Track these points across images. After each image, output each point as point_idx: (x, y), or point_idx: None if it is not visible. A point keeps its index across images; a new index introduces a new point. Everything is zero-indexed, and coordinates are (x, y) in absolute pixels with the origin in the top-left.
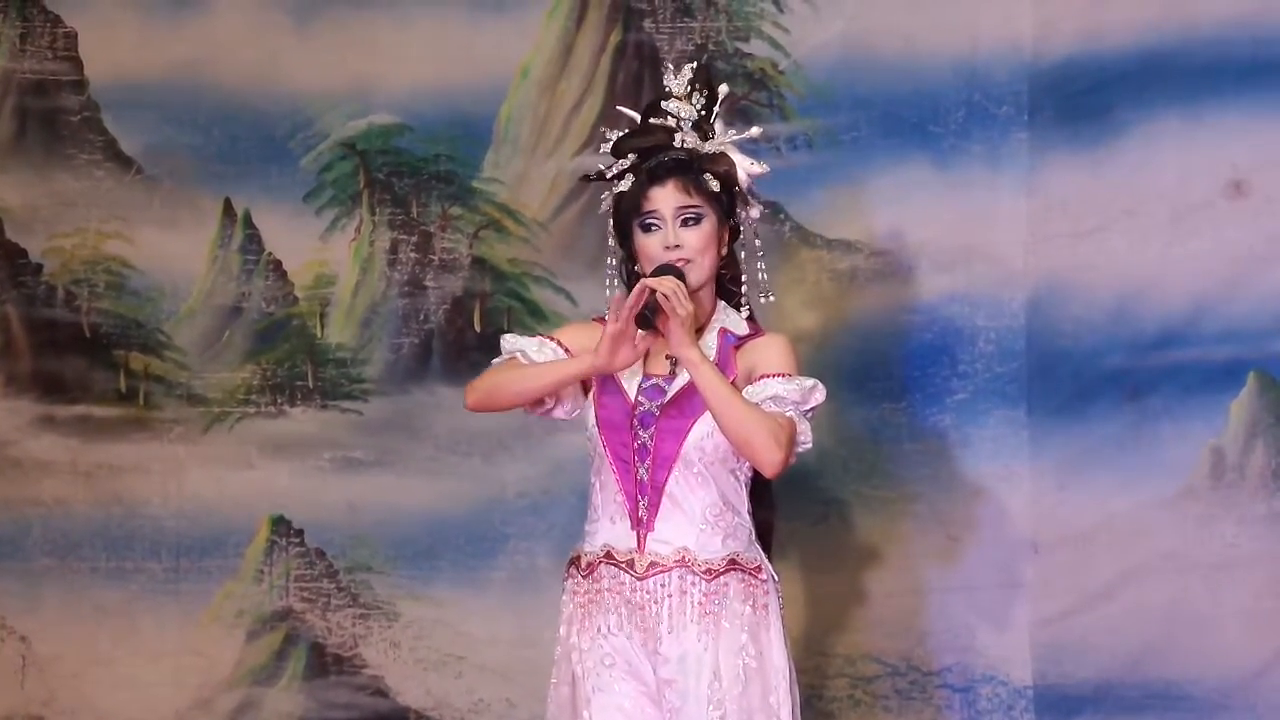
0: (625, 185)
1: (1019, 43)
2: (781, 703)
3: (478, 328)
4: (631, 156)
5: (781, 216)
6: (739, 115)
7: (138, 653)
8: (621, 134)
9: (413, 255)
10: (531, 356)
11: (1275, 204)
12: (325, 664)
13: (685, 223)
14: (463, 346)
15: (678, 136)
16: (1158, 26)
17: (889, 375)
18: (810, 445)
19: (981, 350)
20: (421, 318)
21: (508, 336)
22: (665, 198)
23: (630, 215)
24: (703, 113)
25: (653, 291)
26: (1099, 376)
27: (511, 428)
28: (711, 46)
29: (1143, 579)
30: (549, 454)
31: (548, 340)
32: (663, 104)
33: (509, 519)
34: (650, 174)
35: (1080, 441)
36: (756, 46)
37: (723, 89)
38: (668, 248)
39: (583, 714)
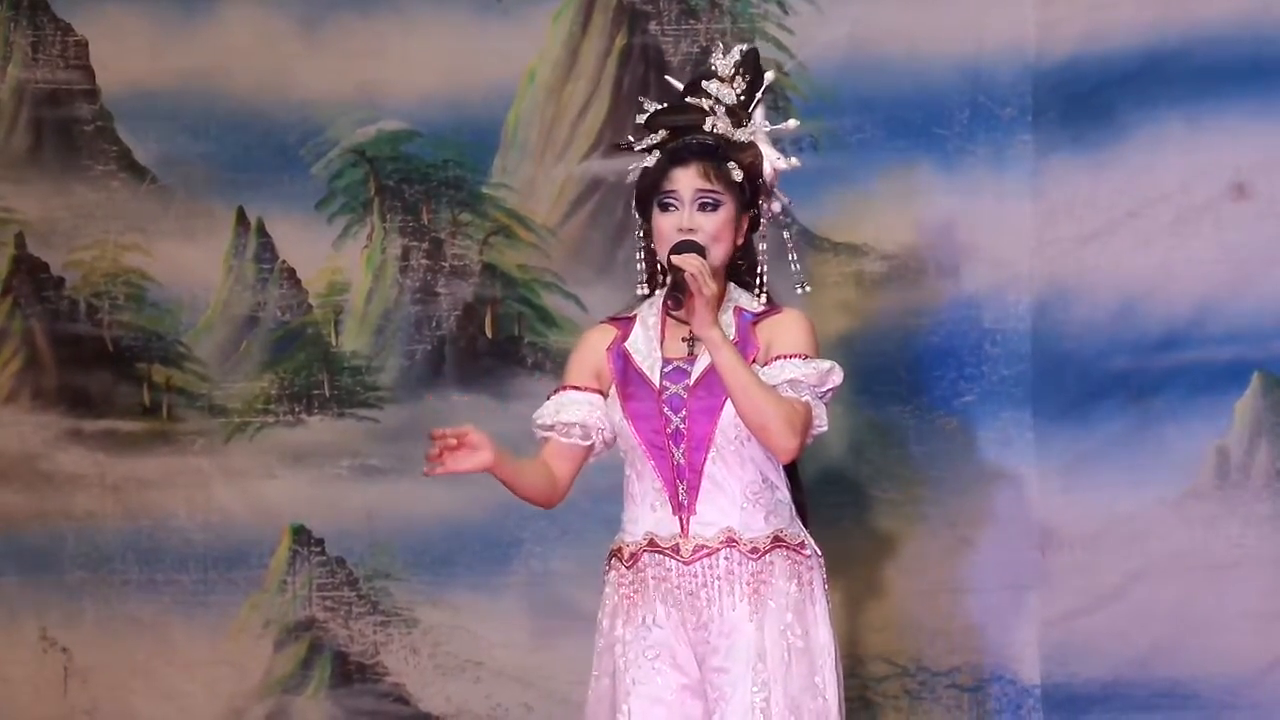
0: (649, 162)
1: (1023, 45)
2: (828, 682)
3: (489, 334)
4: (663, 133)
5: (787, 219)
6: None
7: (173, 663)
8: (659, 108)
9: (424, 262)
10: (557, 419)
11: (1278, 205)
12: (349, 672)
13: (702, 207)
14: (475, 353)
15: (709, 120)
16: (1160, 28)
17: (895, 378)
18: (826, 428)
19: (987, 353)
20: (434, 324)
21: (536, 417)
22: (686, 180)
23: (650, 192)
24: (742, 98)
25: (680, 270)
26: (1104, 378)
27: (524, 433)
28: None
29: (1149, 579)
30: None
31: (561, 393)
32: (704, 83)
33: (524, 524)
34: (674, 154)
35: (1086, 443)
36: (761, 48)
37: (768, 75)
38: (681, 230)
39: (622, 707)
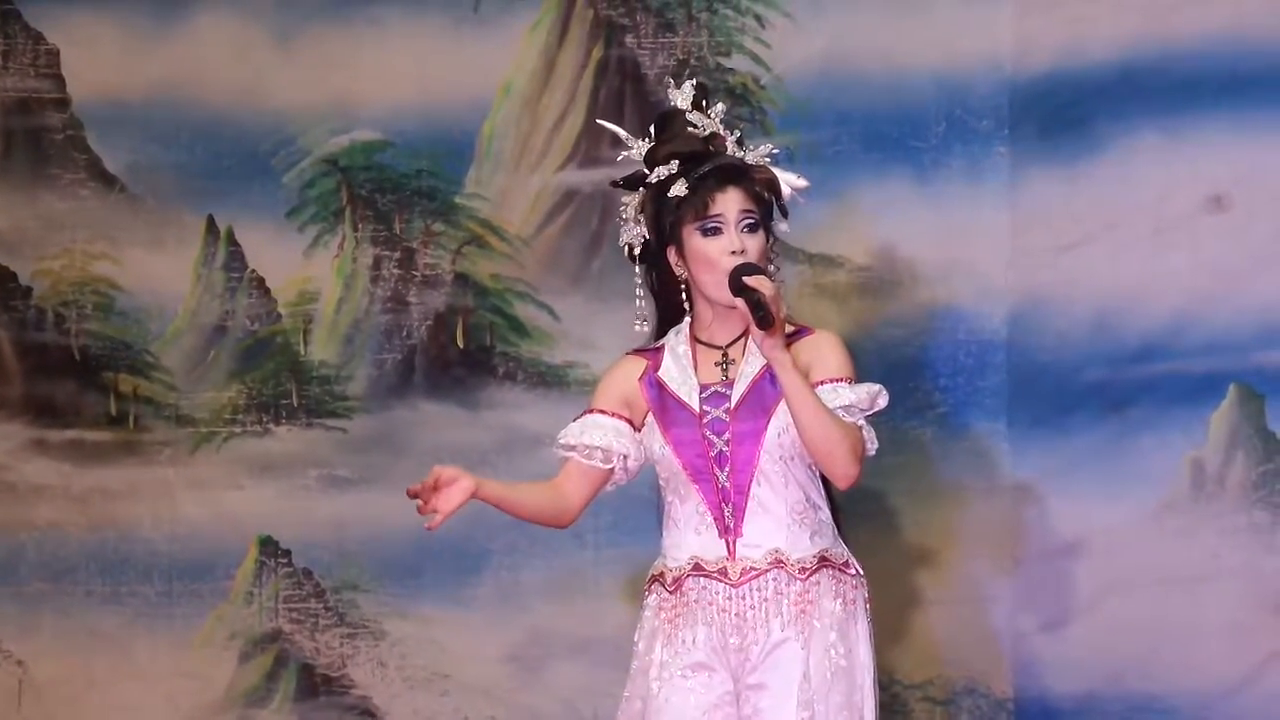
0: (680, 189)
1: (999, 58)
2: (866, 700)
3: (460, 344)
4: (674, 162)
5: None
6: None
7: (133, 676)
8: (653, 142)
9: (395, 271)
10: (580, 441)
11: (1255, 218)
12: (315, 685)
13: (748, 229)
14: (446, 362)
15: (726, 145)
16: (1137, 42)
17: None
18: (875, 449)
19: (962, 364)
20: (404, 334)
21: (560, 436)
22: (729, 202)
23: (685, 219)
24: (722, 124)
25: (755, 291)
26: (1079, 389)
27: (495, 443)
28: (693, 62)
29: (1124, 591)
30: (532, 470)
31: (588, 415)
32: (687, 116)
33: (493, 535)
34: (714, 178)
35: (1061, 454)
36: (738, 61)
37: (719, 107)
38: (733, 252)
39: None
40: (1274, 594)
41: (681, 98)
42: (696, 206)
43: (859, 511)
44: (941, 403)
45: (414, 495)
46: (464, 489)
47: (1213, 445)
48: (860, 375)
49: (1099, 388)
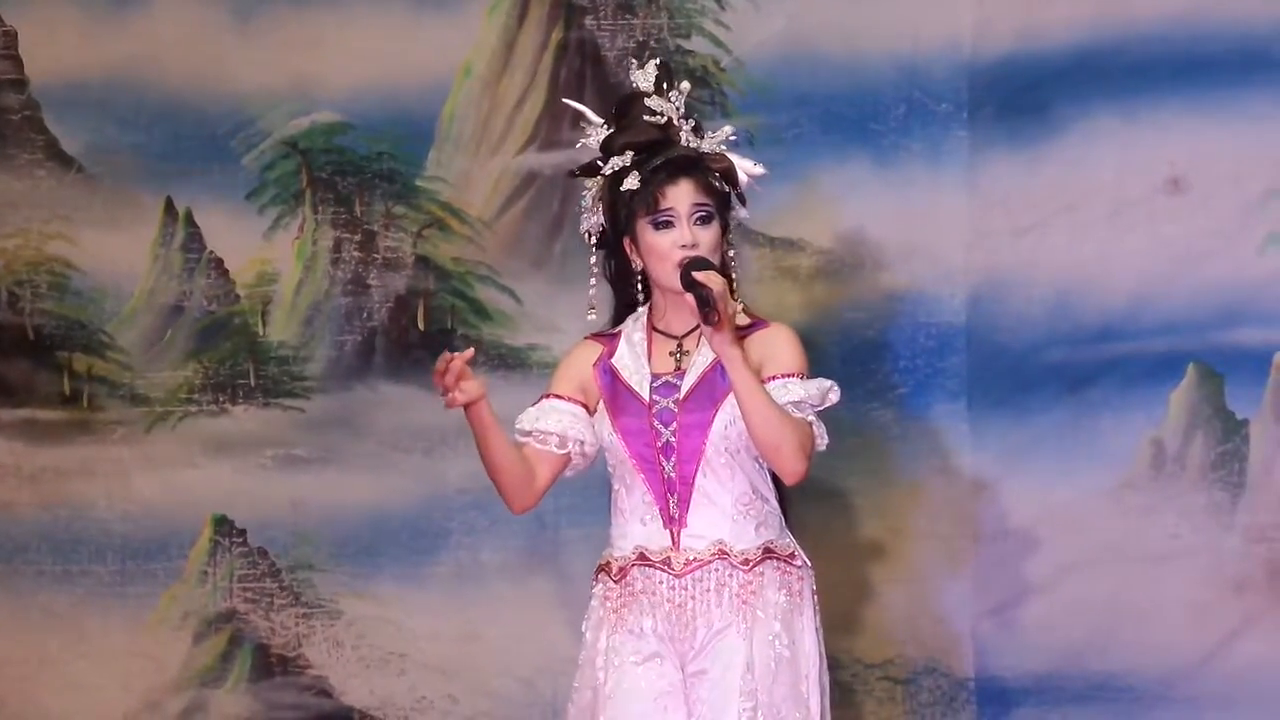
0: (633, 183)
1: (959, 41)
2: (811, 691)
3: (421, 326)
4: (629, 154)
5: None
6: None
7: (86, 656)
8: (610, 130)
9: (356, 254)
10: (536, 426)
11: (1212, 199)
12: (270, 665)
13: (700, 221)
14: (406, 345)
15: (681, 135)
16: (1096, 25)
17: (831, 372)
18: (826, 444)
19: (923, 345)
20: (364, 316)
21: (516, 422)
22: (680, 196)
23: (638, 213)
24: (681, 110)
25: (704, 287)
26: (1039, 370)
27: (453, 424)
28: (653, 43)
29: (1084, 571)
30: None
31: (545, 400)
32: (646, 101)
33: (451, 514)
34: (665, 171)
35: (1021, 434)
36: (698, 43)
37: (684, 85)
38: (683, 246)
39: (600, 719)
40: (1233, 573)
41: (644, 78)
42: (648, 200)
43: (820, 493)
44: (902, 384)
45: (442, 372)
46: (480, 385)
47: (1172, 425)
48: (821, 358)
49: (1058, 369)
